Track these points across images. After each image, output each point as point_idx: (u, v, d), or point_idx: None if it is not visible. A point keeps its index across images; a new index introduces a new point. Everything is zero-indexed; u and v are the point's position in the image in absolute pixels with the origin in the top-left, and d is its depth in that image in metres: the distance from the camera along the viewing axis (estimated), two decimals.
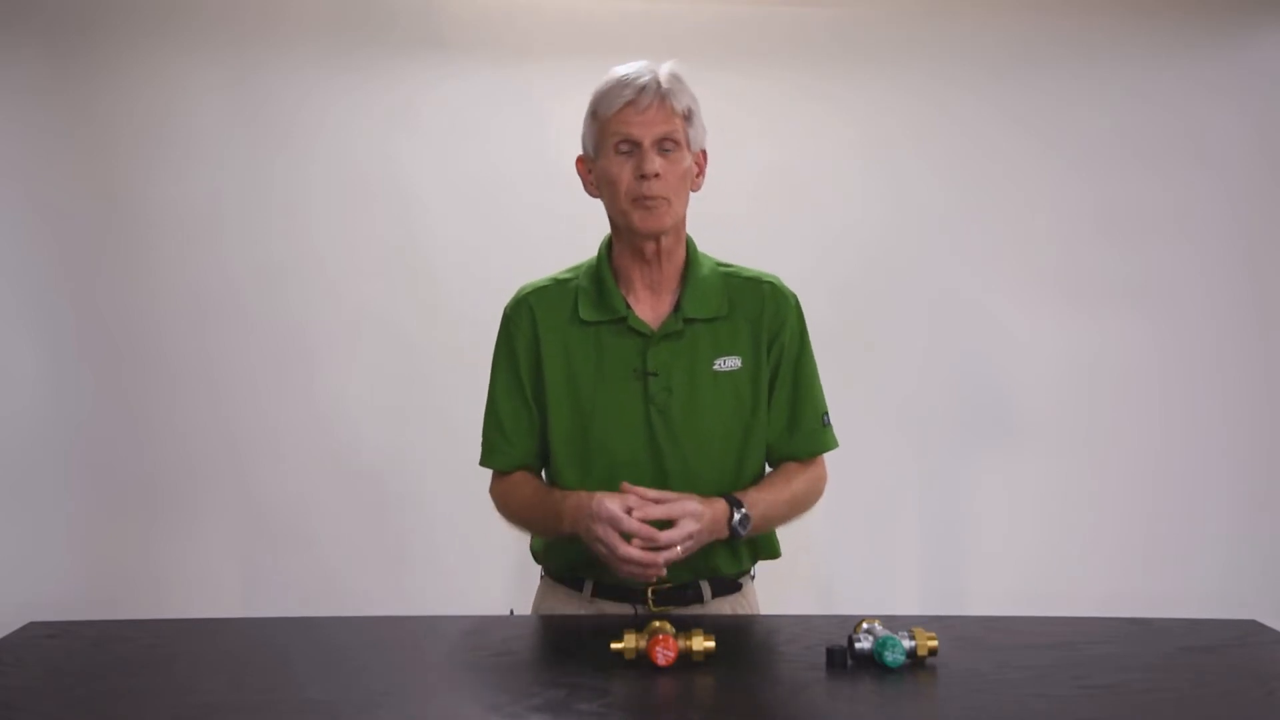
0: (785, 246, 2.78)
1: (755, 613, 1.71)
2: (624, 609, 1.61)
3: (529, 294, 1.67)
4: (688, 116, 1.57)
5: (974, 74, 2.85)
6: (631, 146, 1.54)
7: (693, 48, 2.77)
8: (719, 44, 2.79)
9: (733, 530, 1.53)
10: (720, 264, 1.68)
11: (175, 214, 2.75)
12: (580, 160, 1.64)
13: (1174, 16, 2.86)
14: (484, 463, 1.69)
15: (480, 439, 1.68)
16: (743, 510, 1.54)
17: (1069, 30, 2.85)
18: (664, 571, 1.47)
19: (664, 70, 1.56)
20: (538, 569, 1.74)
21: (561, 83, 2.80)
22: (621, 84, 1.54)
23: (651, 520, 1.46)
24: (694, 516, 1.47)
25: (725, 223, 2.46)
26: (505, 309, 1.68)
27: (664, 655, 1.31)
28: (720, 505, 1.53)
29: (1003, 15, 2.85)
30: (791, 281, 1.70)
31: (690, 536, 1.47)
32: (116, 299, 2.76)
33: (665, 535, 1.45)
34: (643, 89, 1.53)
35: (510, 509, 1.66)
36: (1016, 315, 2.88)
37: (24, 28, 2.69)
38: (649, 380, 1.59)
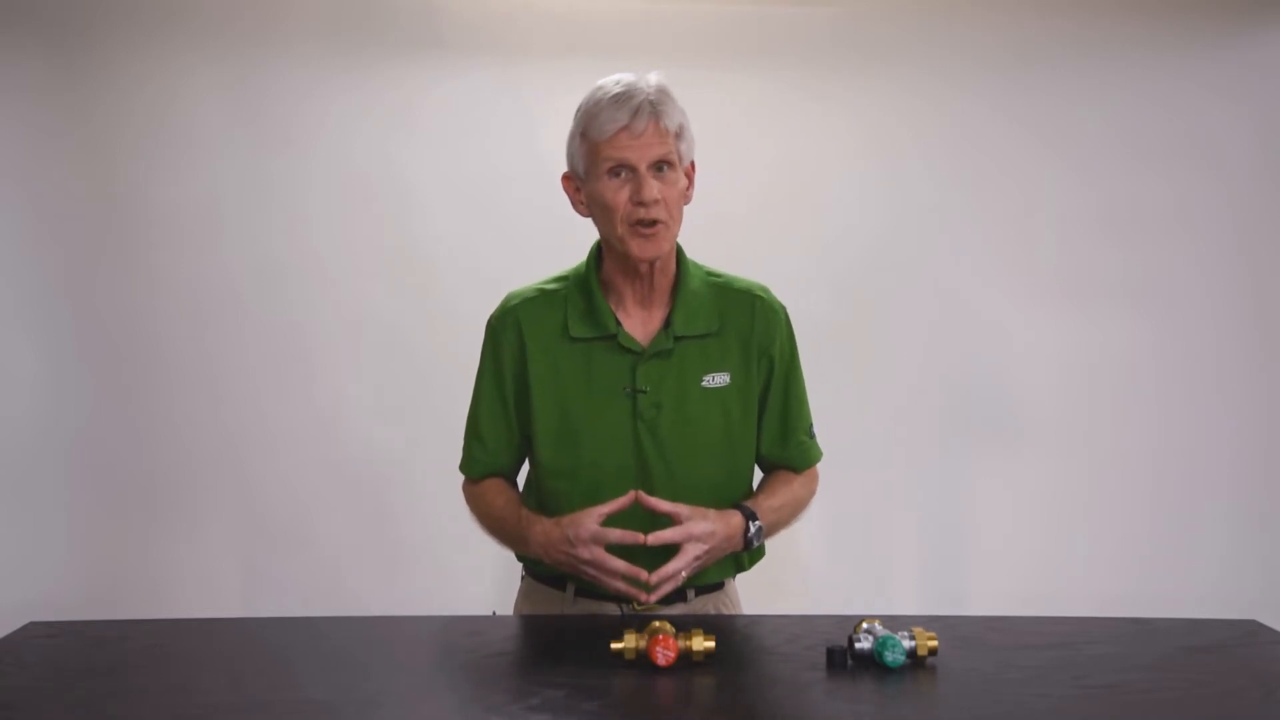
0: (785, 246, 2.79)
1: (738, 609, 1.72)
2: (608, 609, 1.60)
3: (516, 305, 1.64)
4: (679, 133, 1.52)
5: (974, 74, 2.84)
6: (626, 171, 1.50)
7: (693, 48, 2.79)
8: (719, 44, 2.79)
9: (747, 542, 1.55)
10: (710, 273, 1.66)
11: (175, 214, 2.75)
12: (566, 178, 1.59)
13: (1174, 16, 2.86)
14: (462, 469, 1.71)
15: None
16: (757, 523, 1.55)
17: (1069, 30, 2.85)
18: (654, 597, 1.46)
19: (653, 85, 1.50)
20: (519, 570, 1.75)
21: (561, 83, 2.80)
22: (613, 105, 1.48)
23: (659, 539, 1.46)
24: (700, 540, 1.47)
25: (725, 223, 2.46)
26: (490, 319, 1.66)
27: (664, 655, 1.31)
28: (736, 520, 1.54)
29: (1003, 15, 2.84)
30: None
31: (696, 559, 1.48)
32: (116, 299, 2.76)
33: (669, 567, 1.45)
34: (636, 111, 1.47)
35: (479, 515, 1.68)
36: (1016, 315, 2.88)
37: (24, 28, 2.69)
38: (638, 397, 1.58)
